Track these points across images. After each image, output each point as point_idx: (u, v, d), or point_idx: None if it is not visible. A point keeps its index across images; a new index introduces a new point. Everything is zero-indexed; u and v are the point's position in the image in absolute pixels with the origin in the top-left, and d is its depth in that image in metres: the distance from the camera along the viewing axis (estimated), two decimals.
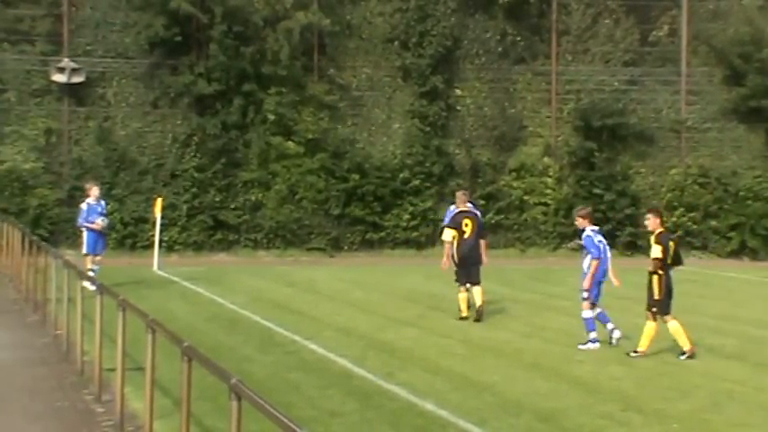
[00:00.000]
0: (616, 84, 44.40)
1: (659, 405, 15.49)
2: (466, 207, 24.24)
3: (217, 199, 40.61)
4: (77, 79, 40.29)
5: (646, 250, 41.76)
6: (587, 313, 20.59)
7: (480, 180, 42.59)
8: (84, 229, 28.89)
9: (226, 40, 40.35)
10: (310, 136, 41.13)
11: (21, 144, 40.16)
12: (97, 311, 15.54)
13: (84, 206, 28.97)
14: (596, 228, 20.94)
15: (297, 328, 22.51)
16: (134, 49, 41.17)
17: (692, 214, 43.24)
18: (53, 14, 41.00)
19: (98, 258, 28.75)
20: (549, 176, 43.19)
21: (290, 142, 41.08)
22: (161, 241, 36.68)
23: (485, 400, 15.86)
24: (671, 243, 19.74)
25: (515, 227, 42.97)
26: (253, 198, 40.93)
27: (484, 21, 43.72)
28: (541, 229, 42.83)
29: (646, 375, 18.04)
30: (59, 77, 40.14)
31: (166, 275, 32.79)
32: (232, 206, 40.81)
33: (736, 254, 42.97)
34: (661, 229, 19.86)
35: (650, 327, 19.62)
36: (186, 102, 41.01)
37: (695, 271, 37.67)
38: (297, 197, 41.04)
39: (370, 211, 41.39)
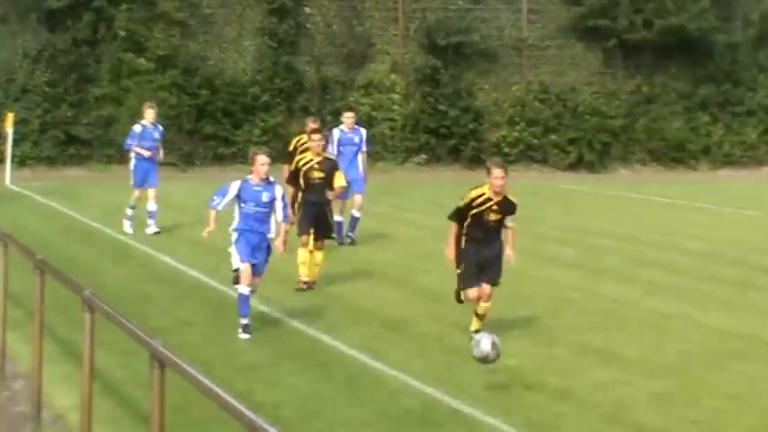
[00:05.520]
0: (461, 2, 45.34)
1: (500, 313, 15.72)
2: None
3: (69, 114, 40.70)
4: None
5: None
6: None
7: (329, 96, 43.30)
8: (133, 155, 24.31)
9: None
10: (161, 52, 41.42)
11: None
12: None
13: (137, 128, 24.26)
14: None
15: (150, 241, 22.81)
16: None
17: (532, 129, 44.62)
18: None
19: (152, 192, 24.14)
20: (396, 93, 44.09)
21: (141, 59, 41.33)
22: (13, 156, 36.87)
23: (333, 310, 16.41)
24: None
25: None
26: (105, 113, 41.03)
27: None
28: (389, 144, 43.70)
29: None
30: None
31: (19, 190, 32.93)
32: (84, 121, 40.96)
33: (574, 167, 44.57)
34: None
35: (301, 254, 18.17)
36: (35, 17, 40.89)
37: (537, 184, 39.17)
38: None
39: (222, 127, 41.92)
